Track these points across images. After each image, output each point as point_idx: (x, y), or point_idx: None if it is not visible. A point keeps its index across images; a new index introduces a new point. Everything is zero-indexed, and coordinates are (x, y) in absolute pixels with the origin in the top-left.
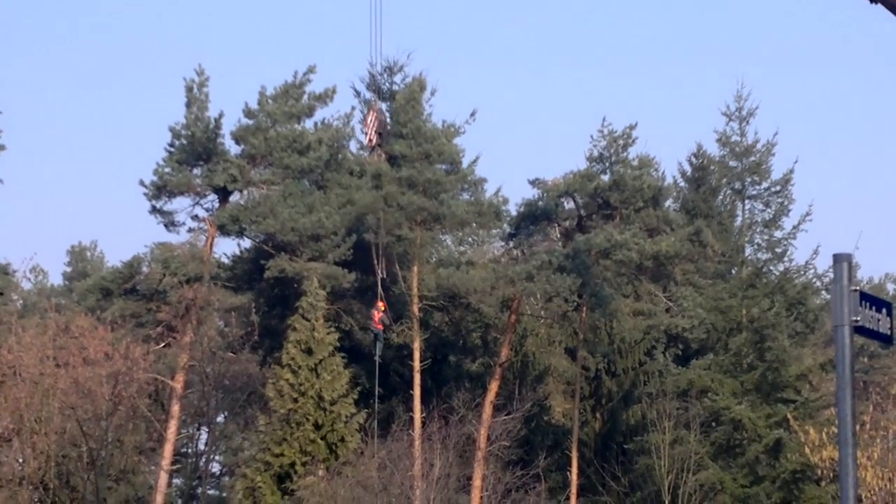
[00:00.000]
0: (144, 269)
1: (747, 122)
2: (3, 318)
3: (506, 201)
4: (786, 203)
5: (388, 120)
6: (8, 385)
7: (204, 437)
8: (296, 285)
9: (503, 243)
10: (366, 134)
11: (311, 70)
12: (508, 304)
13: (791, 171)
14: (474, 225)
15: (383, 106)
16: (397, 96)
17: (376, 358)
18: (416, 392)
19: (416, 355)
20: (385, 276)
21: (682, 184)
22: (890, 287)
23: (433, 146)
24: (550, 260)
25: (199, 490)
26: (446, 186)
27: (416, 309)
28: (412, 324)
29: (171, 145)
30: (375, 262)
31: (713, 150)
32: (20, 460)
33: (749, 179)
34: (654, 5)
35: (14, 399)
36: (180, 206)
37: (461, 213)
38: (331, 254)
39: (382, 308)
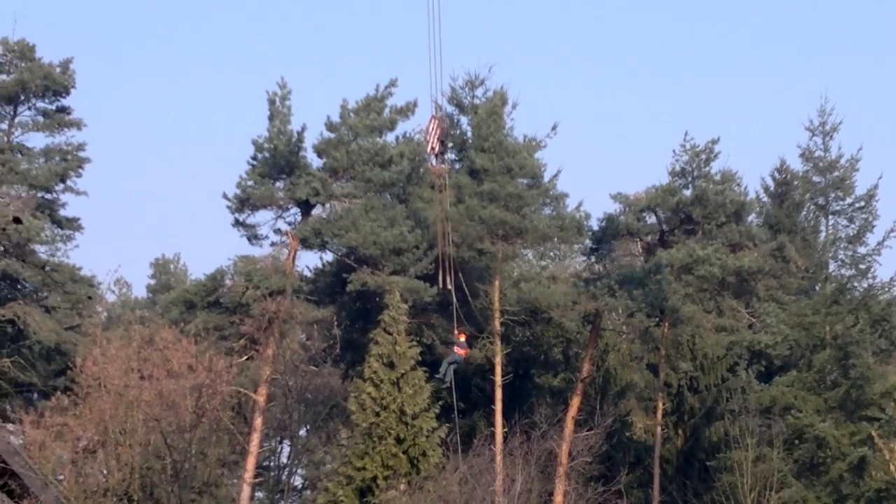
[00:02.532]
0: (227, 282)
1: (831, 136)
2: (88, 330)
3: (588, 216)
4: (870, 219)
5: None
6: (93, 397)
7: (286, 450)
8: (378, 299)
9: (585, 258)
10: (427, 142)
11: (392, 83)
12: (590, 319)
13: (875, 187)
14: (556, 239)
15: (457, 117)
16: (479, 110)
17: (446, 382)
18: (498, 407)
19: (498, 370)
20: (462, 293)
21: (765, 199)
22: None
23: (514, 160)
24: (632, 275)
25: (282, 503)
26: (528, 200)
27: (497, 324)
28: (494, 339)
29: (254, 158)
30: (449, 280)
31: (796, 165)
32: (105, 472)
33: (833, 195)
34: (738, 20)
35: (99, 411)
36: (263, 219)
37: (543, 227)
38: (412, 267)
39: (465, 337)
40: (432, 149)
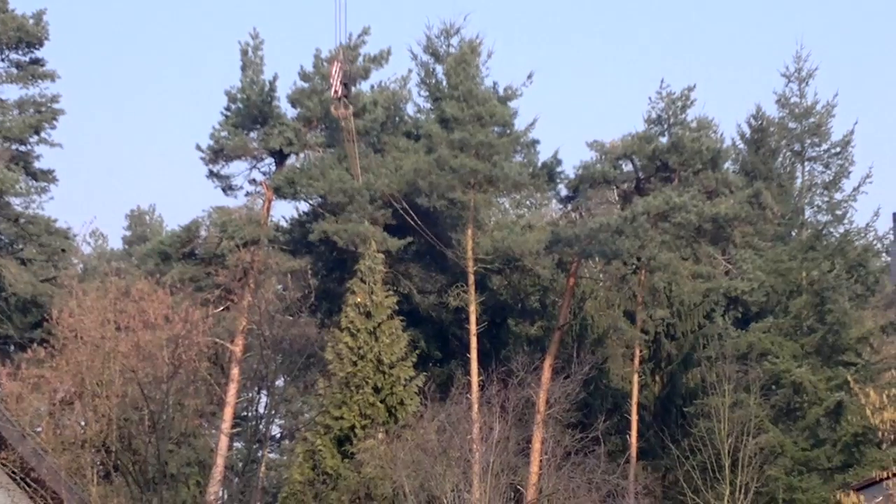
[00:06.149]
0: (202, 233)
1: (806, 83)
2: (63, 281)
3: (559, 162)
4: (846, 165)
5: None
6: (69, 348)
7: (264, 400)
8: (354, 248)
9: (561, 206)
10: (331, 86)
11: (365, 31)
12: (566, 266)
13: (851, 133)
14: (531, 188)
15: (432, 66)
16: (448, 59)
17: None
18: (473, 355)
19: (472, 318)
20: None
21: (741, 146)
22: None
23: (485, 108)
24: (609, 222)
25: (260, 453)
26: (498, 149)
27: (471, 272)
28: (467, 287)
29: (228, 109)
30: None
31: (772, 111)
32: (82, 423)
33: (808, 141)
34: None
35: (75, 362)
36: (237, 169)
37: (514, 175)
38: (381, 216)
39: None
40: (335, 92)
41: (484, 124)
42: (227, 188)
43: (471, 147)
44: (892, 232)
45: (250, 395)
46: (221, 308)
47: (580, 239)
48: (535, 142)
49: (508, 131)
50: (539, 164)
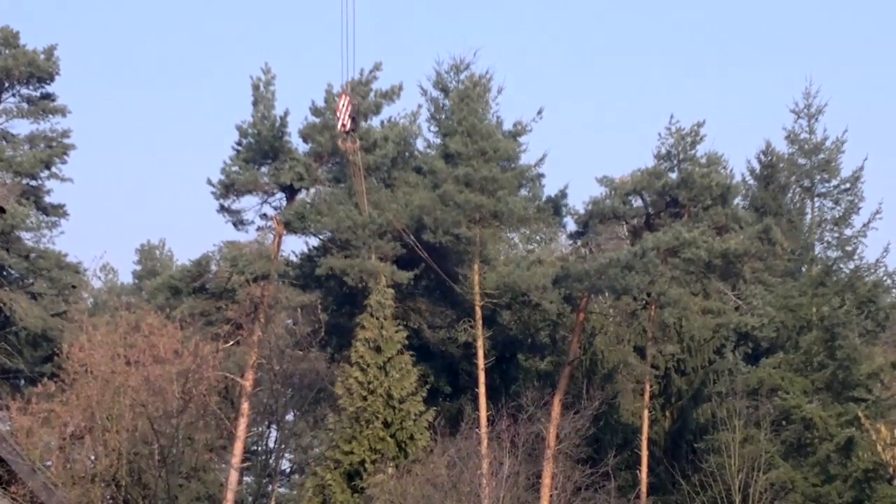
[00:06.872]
0: (213, 268)
1: (816, 119)
2: (74, 316)
3: (564, 196)
4: (856, 200)
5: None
6: (80, 383)
7: (274, 434)
8: (364, 283)
9: (571, 241)
10: (338, 119)
11: (377, 67)
12: (576, 301)
13: (861, 169)
14: (541, 224)
15: (442, 101)
16: (453, 94)
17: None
18: (482, 390)
19: (480, 353)
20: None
21: (751, 181)
22: None
23: (488, 143)
24: (618, 258)
25: (270, 488)
26: (503, 183)
27: (478, 308)
28: (475, 323)
29: (239, 144)
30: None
31: (782, 147)
32: (92, 458)
33: (818, 177)
34: (723, 1)
35: (86, 397)
36: (248, 204)
37: (519, 209)
38: (390, 250)
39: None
40: (343, 126)
41: (488, 159)
42: (238, 223)
43: (475, 182)
44: None
45: (260, 429)
46: (231, 343)
47: (590, 274)
48: (540, 176)
49: (513, 165)
50: (544, 199)
